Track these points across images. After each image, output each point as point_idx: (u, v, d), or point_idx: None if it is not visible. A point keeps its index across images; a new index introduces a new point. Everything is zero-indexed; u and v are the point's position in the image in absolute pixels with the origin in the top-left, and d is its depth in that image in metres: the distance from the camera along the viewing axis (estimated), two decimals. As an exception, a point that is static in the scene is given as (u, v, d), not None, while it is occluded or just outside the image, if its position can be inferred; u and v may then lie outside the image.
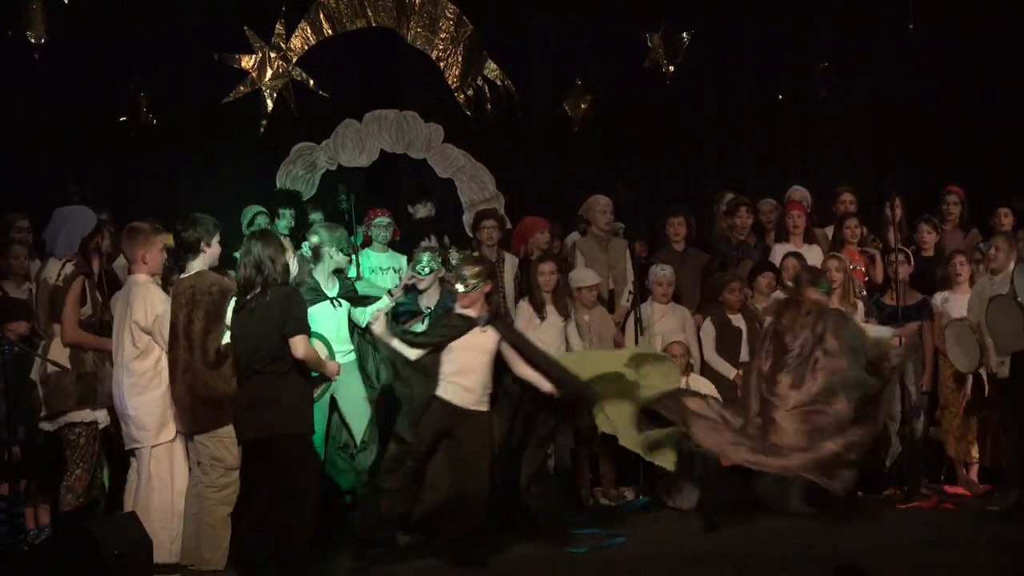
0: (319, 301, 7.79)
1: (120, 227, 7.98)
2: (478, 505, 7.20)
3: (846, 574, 4.98)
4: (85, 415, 7.22)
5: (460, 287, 7.42)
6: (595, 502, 9.06)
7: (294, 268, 7.17)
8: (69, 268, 7.28)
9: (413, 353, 7.37)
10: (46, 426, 7.32)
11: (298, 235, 9.04)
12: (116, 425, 7.33)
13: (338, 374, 7.07)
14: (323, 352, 7.03)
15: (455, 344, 7.30)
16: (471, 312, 7.36)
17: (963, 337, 8.53)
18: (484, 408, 7.31)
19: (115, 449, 7.47)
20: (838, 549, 7.29)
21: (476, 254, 9.03)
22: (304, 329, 6.59)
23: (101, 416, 7.27)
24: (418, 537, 7.47)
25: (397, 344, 7.38)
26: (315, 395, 6.96)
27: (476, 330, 7.30)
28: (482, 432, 7.28)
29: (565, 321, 9.02)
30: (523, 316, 9.02)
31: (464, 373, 7.27)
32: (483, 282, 7.39)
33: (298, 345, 6.52)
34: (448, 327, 7.39)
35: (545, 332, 8.84)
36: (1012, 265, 8.46)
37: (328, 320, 7.78)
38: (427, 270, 8.34)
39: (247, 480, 6.92)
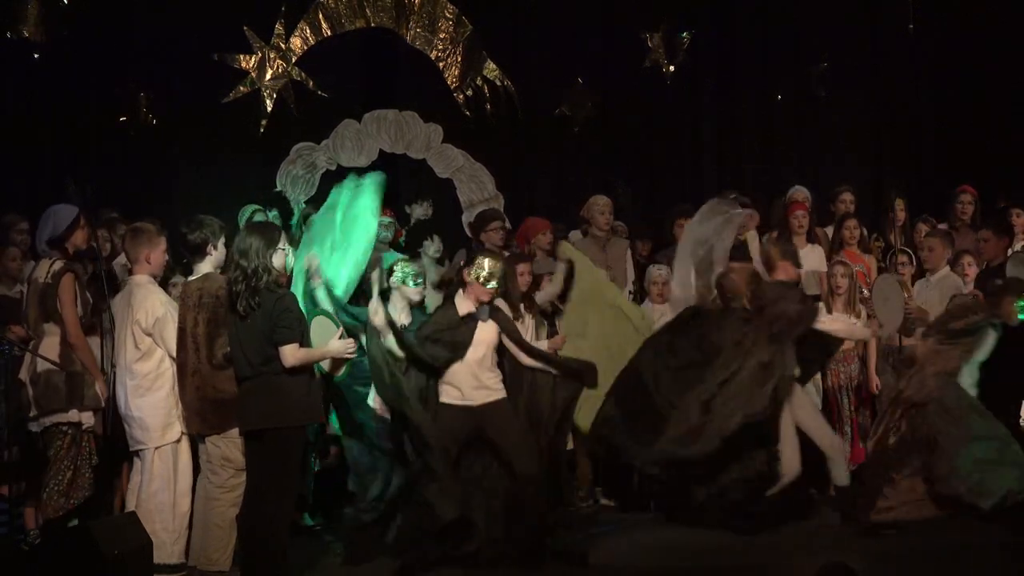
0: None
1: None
2: (540, 492, 7.18)
3: (833, 572, 4.97)
4: (72, 416, 7.13)
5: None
6: (595, 502, 9.05)
7: (289, 264, 7.05)
8: (58, 266, 7.22)
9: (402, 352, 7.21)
10: (33, 427, 7.23)
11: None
12: (104, 428, 7.31)
13: (352, 349, 6.86)
14: (329, 330, 6.92)
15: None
16: (471, 307, 7.30)
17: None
18: (503, 394, 7.29)
19: (110, 451, 7.45)
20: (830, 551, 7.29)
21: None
22: (293, 338, 6.46)
23: (86, 417, 7.18)
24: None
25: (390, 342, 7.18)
26: (339, 374, 6.94)
27: (480, 324, 7.27)
28: (512, 416, 7.27)
29: (535, 320, 8.92)
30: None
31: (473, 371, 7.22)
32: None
33: (286, 355, 6.45)
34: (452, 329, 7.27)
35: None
36: (946, 266, 8.64)
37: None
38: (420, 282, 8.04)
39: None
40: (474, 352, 7.18)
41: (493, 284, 7.30)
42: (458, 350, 7.16)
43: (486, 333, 7.25)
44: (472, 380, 7.17)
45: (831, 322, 8.16)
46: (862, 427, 9.02)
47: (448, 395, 7.20)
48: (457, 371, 7.18)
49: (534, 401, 7.48)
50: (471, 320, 7.24)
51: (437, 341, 7.17)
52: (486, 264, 7.28)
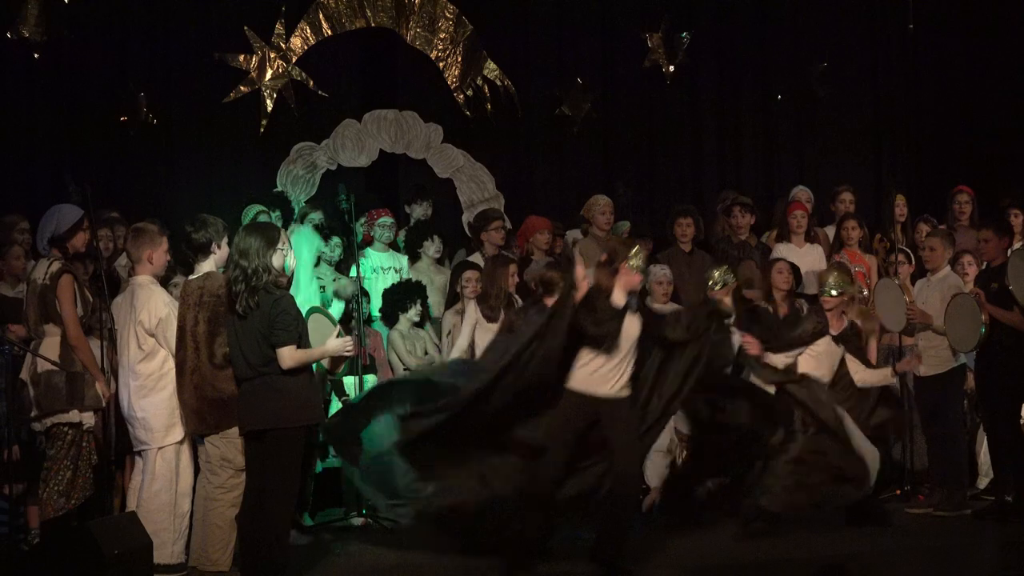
0: None
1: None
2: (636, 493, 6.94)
3: (833, 572, 4.97)
4: (72, 416, 7.12)
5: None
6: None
7: (289, 264, 7.05)
8: (56, 266, 7.21)
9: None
10: (36, 427, 7.24)
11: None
12: (104, 427, 7.30)
13: (350, 347, 6.82)
14: (326, 328, 6.86)
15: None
16: (624, 297, 6.89)
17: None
18: (629, 392, 6.94)
19: (112, 451, 7.44)
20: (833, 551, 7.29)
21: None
22: (290, 340, 6.46)
23: (87, 418, 7.18)
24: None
25: None
26: (338, 372, 6.91)
27: (630, 316, 6.89)
28: (629, 414, 6.91)
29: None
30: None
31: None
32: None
33: (284, 357, 6.45)
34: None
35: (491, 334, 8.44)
36: (947, 266, 8.64)
37: None
38: None
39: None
40: (625, 345, 6.85)
41: (645, 271, 7.07)
42: (616, 339, 6.78)
43: (635, 326, 6.91)
44: (616, 374, 6.84)
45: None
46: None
47: (581, 382, 6.84)
48: (605, 361, 6.83)
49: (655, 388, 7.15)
50: (625, 310, 6.85)
51: (600, 324, 6.75)
52: (638, 251, 6.93)
